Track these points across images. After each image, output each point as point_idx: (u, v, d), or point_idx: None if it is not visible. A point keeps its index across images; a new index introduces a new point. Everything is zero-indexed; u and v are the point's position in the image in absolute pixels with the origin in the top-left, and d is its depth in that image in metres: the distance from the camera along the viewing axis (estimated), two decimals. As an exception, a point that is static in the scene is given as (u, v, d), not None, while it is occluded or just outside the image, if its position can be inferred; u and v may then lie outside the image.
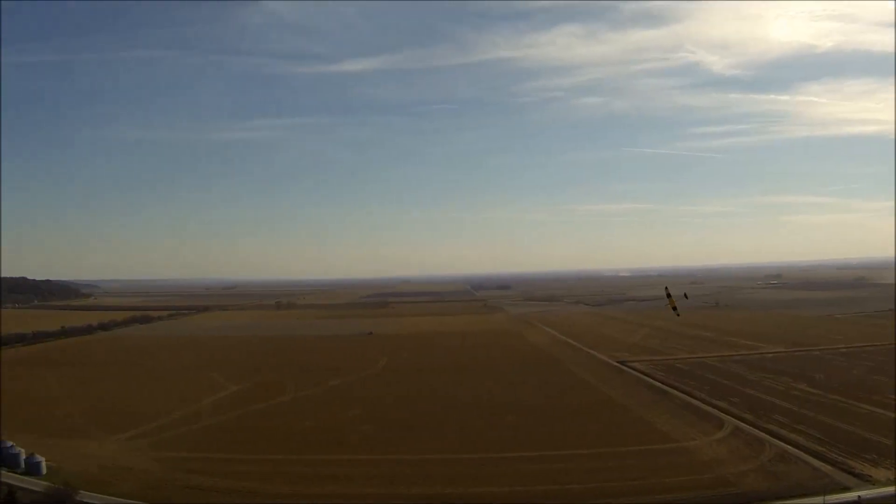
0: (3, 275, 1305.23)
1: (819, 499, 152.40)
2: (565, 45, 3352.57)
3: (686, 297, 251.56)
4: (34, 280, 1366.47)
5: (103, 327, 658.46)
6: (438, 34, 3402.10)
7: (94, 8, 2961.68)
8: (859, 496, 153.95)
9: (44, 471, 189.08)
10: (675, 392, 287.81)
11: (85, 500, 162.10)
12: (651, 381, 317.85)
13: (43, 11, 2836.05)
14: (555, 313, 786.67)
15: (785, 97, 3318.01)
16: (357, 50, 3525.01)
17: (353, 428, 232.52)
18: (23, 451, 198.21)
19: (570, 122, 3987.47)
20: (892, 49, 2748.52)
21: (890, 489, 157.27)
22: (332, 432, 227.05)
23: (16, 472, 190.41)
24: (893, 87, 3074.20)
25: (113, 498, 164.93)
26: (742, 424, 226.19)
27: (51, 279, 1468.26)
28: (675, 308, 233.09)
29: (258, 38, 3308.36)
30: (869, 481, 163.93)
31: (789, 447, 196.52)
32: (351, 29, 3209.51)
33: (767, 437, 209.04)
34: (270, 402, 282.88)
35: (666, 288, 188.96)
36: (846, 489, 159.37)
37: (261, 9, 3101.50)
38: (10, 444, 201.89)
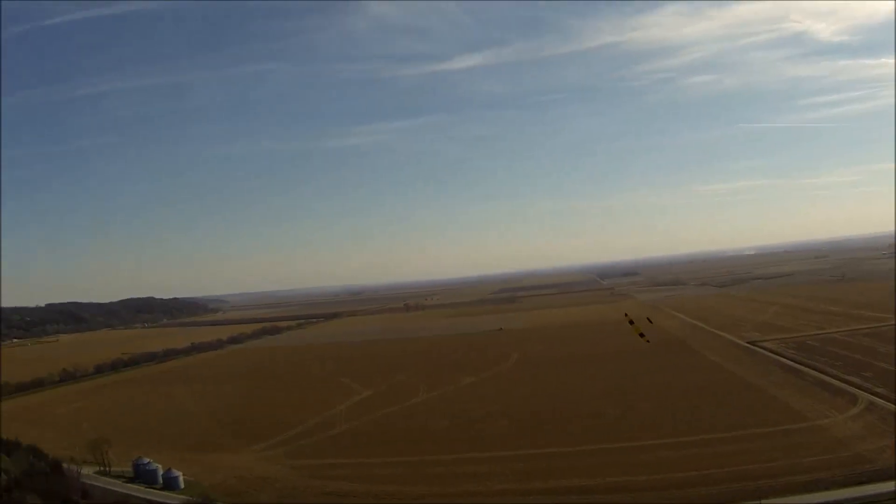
0: (131, 296, 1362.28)
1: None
2: (671, 24, 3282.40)
3: (650, 322, 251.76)
4: (161, 299, 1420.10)
5: (233, 341, 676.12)
6: (543, 24, 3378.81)
7: (202, 28, 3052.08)
8: None
9: (181, 485, 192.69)
10: (807, 370, 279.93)
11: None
12: (782, 359, 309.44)
13: (153, 36, 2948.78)
14: (681, 297, 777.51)
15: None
16: (464, 46, 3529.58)
17: (487, 424, 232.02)
18: (160, 466, 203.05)
19: (682, 102, 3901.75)
20: None
21: None
22: (466, 430, 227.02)
23: (154, 488, 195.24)
24: None
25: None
26: (876, 399, 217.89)
27: (178, 297, 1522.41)
28: (642, 335, 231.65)
29: (365, 43, 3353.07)
30: None
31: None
32: (457, 26, 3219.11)
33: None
34: (404, 403, 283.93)
35: (626, 314, 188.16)
36: None
37: (365, 14, 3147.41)
38: (147, 460, 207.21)
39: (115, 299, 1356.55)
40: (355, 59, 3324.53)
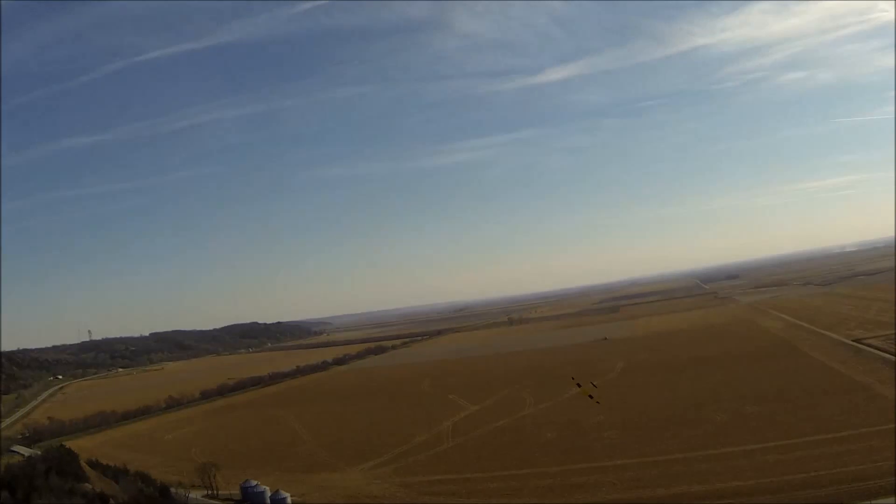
0: (234, 322, 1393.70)
1: None
2: (759, 23, 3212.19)
3: (594, 386, 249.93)
4: (265, 324, 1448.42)
5: (338, 362, 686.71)
6: (633, 31, 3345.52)
7: (293, 55, 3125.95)
8: None
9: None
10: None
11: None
12: (889, 356, 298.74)
13: (247, 66, 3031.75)
14: (785, 297, 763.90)
15: None
16: (557, 58, 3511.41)
17: (595, 435, 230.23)
18: (267, 488, 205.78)
19: (776, 100, 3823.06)
20: None
21: None
22: (575, 441, 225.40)
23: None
24: None
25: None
26: None
27: (281, 321, 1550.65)
28: (591, 396, 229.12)
29: (456, 62, 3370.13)
30: None
31: None
32: (547, 38, 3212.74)
33: None
34: (511, 417, 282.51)
35: (573, 377, 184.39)
36: None
37: (455, 32, 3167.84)
38: (254, 483, 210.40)
39: (218, 326, 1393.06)
40: (448, 78, 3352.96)
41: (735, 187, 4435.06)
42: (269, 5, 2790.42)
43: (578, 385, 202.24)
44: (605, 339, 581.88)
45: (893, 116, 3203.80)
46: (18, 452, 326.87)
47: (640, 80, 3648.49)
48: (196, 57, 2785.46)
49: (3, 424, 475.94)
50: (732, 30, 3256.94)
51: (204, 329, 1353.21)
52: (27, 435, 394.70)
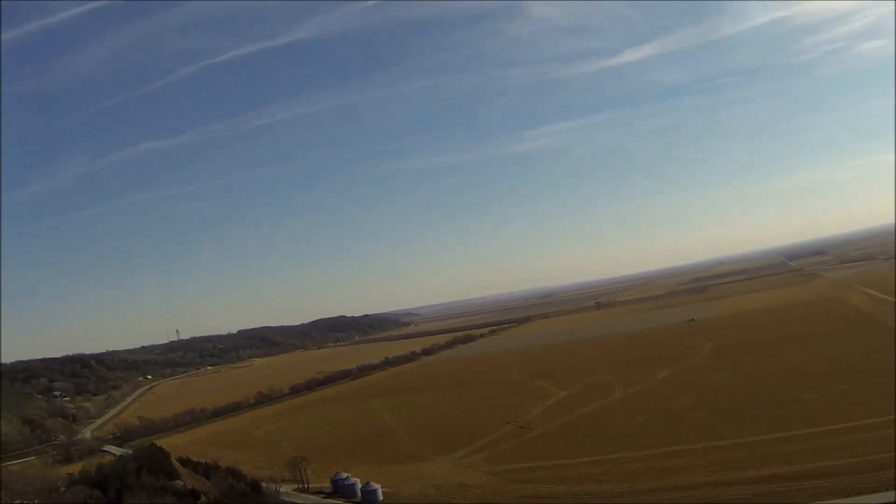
0: (321, 316, 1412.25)
1: None
2: None
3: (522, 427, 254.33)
4: (352, 317, 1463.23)
5: (426, 352, 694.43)
6: (707, 8, 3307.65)
7: (370, 49, 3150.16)
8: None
9: (380, 497, 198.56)
10: None
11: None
12: None
13: (325, 61, 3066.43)
14: (872, 272, 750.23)
15: None
16: (632, 39, 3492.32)
17: (684, 417, 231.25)
18: (358, 480, 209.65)
19: (855, 71, 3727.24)
20: None
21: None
22: (663, 424, 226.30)
23: (353, 502, 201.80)
24: None
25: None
26: None
27: (368, 314, 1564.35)
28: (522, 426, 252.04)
29: (533, 47, 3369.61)
30: None
31: None
32: (621, 19, 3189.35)
33: None
34: (600, 402, 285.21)
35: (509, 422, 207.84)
36: None
37: (530, 17, 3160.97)
38: (345, 475, 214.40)
39: (305, 321, 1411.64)
40: (525, 63, 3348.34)
41: (813, 162, 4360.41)
42: (340, 2, 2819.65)
43: (508, 423, 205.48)
44: (692, 320, 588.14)
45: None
46: (110, 452, 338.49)
47: (716, 57, 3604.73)
48: (273, 55, 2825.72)
49: (95, 425, 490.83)
50: (807, 0, 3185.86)
51: (291, 325, 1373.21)
52: (118, 435, 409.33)
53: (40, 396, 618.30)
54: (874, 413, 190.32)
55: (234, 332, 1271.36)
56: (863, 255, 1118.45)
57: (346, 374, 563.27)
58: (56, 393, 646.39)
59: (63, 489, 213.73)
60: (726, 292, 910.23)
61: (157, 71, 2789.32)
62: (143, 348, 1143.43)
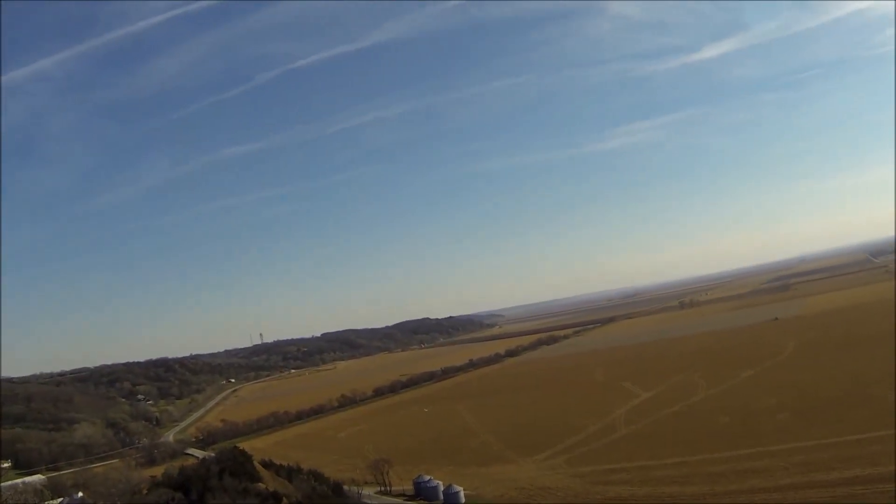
0: (406, 318, 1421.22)
1: None
2: None
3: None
4: (436, 319, 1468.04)
5: (511, 354, 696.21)
6: (784, 3, 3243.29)
7: (448, 49, 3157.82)
8: None
9: (462, 500, 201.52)
10: None
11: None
12: None
13: (403, 64, 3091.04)
14: None
15: None
16: (712, 34, 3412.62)
17: (768, 418, 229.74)
18: (440, 483, 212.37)
19: None
20: None
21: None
22: (747, 425, 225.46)
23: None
24: None
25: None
26: None
27: (453, 315, 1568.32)
28: None
29: (613, 45, 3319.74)
30: None
31: None
32: (700, 14, 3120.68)
33: None
34: (683, 403, 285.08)
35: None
36: None
37: (608, 15, 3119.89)
38: (428, 478, 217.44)
39: (389, 323, 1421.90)
40: (605, 62, 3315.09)
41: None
42: (419, 4, 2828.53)
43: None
44: (776, 318, 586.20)
45: None
46: (193, 455, 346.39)
47: (796, 50, 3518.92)
48: (349, 59, 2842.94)
49: (178, 428, 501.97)
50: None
51: (375, 327, 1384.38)
52: (201, 437, 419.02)
53: (124, 400, 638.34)
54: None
55: (318, 335, 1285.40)
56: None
57: (430, 377, 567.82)
58: (140, 396, 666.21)
59: (145, 491, 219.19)
60: (809, 290, 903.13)
61: (236, 77, 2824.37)
62: (227, 352, 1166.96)
